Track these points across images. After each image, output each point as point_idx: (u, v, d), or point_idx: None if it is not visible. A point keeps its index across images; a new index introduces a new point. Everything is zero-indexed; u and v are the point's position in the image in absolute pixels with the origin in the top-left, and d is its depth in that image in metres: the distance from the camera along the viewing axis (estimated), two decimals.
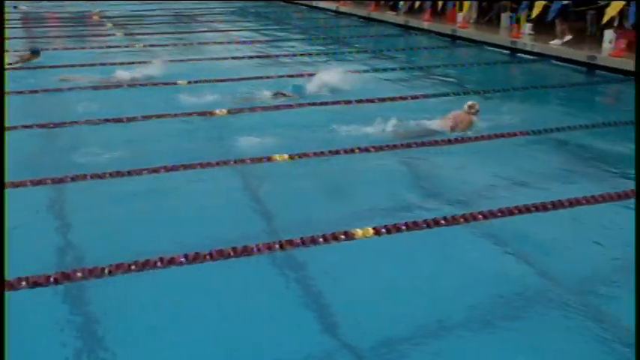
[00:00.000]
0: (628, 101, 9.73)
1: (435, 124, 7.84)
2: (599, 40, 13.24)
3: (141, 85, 10.25)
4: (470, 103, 8.02)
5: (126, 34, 16.56)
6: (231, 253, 4.68)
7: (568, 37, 13.39)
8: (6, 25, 16.32)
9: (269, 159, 6.76)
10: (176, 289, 4.32)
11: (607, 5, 12.42)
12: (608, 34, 12.83)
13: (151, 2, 24.42)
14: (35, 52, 11.97)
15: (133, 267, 4.42)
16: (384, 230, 5.09)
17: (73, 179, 6.11)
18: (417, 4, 18.80)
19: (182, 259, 4.53)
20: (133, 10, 22.35)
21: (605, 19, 12.52)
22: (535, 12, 14.08)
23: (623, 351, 3.71)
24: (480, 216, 5.41)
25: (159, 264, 4.48)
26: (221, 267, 4.57)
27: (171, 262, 4.50)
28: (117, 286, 4.30)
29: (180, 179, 6.27)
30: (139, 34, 16.73)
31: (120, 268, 4.41)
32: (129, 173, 6.26)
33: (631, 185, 6.12)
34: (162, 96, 9.52)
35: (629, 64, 11.70)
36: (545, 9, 13.77)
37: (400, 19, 19.14)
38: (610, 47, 12.63)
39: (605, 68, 12.06)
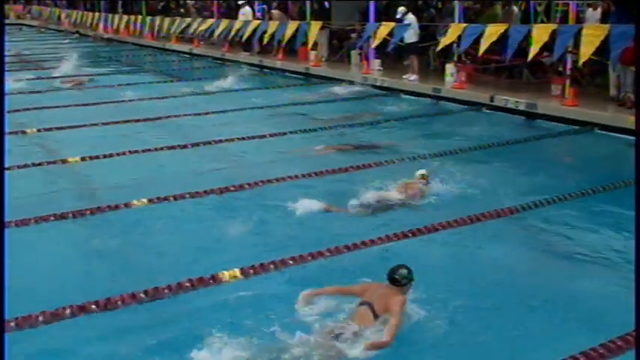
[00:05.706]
0: (474, 128, 10.50)
1: (393, 195, 6.87)
2: (442, 73, 14.12)
3: None
4: (421, 172, 7.13)
5: None
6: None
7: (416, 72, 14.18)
8: None
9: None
10: None
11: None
12: (450, 68, 13.69)
13: None
14: None
15: None
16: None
17: None
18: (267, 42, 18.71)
19: None
20: None
21: (440, 46, 13.29)
22: (375, 43, 14.76)
23: None
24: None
25: None
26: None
27: None
28: None
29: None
30: None
31: None
32: None
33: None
34: None
35: (469, 95, 12.57)
36: (385, 42, 14.51)
37: (254, 59, 19.39)
38: (452, 80, 13.47)
39: (448, 99, 12.85)
